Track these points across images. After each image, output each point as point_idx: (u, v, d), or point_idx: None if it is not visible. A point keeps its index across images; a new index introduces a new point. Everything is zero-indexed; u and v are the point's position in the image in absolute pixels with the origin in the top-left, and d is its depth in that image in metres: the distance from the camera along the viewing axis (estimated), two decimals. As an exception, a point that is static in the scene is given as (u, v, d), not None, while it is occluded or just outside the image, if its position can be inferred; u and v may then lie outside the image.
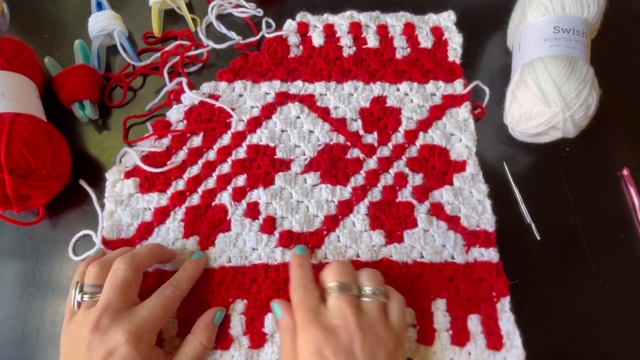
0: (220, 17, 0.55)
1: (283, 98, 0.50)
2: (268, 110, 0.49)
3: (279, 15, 0.54)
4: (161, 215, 0.45)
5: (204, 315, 0.40)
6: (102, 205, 0.45)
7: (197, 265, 0.42)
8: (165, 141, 0.48)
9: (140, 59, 0.52)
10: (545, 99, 0.43)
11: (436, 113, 0.50)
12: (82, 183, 0.46)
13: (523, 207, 0.47)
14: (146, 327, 0.36)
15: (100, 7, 0.53)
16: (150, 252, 0.41)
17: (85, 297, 0.37)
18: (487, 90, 0.51)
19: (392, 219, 0.45)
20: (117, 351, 0.34)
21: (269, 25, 0.54)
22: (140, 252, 0.40)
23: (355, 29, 0.53)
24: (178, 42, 0.51)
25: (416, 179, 0.47)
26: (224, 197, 0.46)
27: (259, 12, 0.55)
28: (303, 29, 0.53)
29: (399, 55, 0.52)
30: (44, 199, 0.44)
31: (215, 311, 0.41)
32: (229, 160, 0.47)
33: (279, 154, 0.47)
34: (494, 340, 0.41)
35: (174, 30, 0.54)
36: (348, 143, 0.48)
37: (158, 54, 0.51)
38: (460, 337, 0.41)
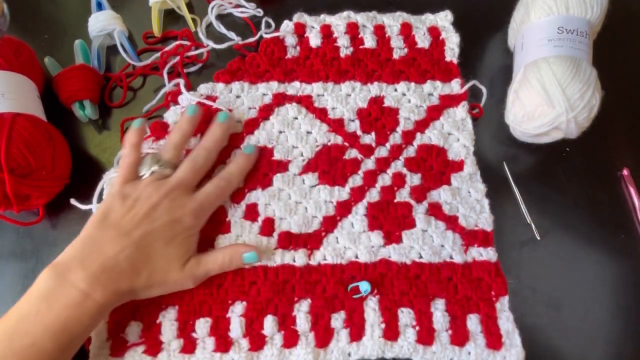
0: (220, 17, 0.55)
1: (280, 99, 0.50)
2: (265, 112, 0.49)
3: (279, 16, 0.54)
4: (160, 215, 0.45)
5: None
6: (102, 206, 0.45)
7: (249, 158, 0.46)
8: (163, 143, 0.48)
9: (140, 59, 0.52)
10: (550, 99, 0.43)
11: (434, 113, 0.49)
12: (74, 202, 0.45)
13: (523, 207, 0.46)
14: (204, 206, 0.42)
15: (100, 7, 0.54)
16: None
17: (158, 169, 0.42)
18: (484, 90, 0.51)
19: (390, 219, 0.45)
20: (182, 220, 0.40)
21: (268, 26, 0.54)
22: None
23: (352, 30, 0.53)
24: (178, 42, 0.52)
25: (414, 179, 0.46)
26: (223, 198, 0.46)
27: (259, 12, 0.55)
28: (300, 29, 0.53)
29: (396, 55, 0.52)
30: (44, 199, 0.44)
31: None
32: (226, 161, 0.47)
33: (277, 155, 0.47)
34: (494, 340, 0.41)
35: (174, 30, 0.54)
36: (346, 144, 0.48)
37: (158, 54, 0.51)
38: (459, 337, 0.41)
